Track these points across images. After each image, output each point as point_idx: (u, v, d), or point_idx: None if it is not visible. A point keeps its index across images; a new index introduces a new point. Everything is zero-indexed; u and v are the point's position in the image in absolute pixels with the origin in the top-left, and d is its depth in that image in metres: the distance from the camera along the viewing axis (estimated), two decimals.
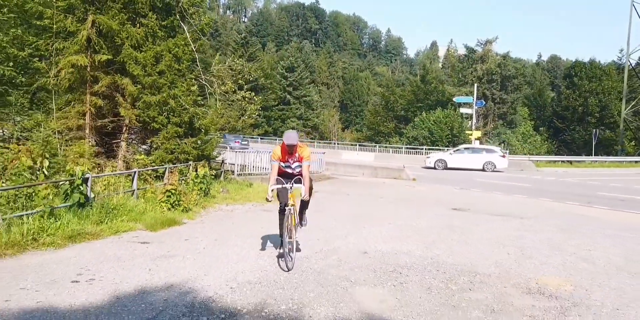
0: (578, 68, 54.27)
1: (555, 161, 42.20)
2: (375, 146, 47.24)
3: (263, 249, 7.20)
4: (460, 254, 7.27)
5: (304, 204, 6.60)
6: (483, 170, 27.85)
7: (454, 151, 29.82)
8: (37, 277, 5.47)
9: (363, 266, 6.38)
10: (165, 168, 12.07)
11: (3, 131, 11.36)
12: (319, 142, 53.24)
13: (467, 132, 43.26)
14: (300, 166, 6.31)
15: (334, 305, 4.87)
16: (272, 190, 6.16)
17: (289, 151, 6.23)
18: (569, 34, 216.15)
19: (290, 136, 6.10)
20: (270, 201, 6.23)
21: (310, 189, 6.30)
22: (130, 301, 4.76)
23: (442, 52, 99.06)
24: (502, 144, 45.64)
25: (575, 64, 57.06)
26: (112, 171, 11.38)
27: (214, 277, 5.68)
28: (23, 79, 11.69)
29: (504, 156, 28.64)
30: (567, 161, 42.06)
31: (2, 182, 7.44)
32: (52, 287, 5.12)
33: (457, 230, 9.15)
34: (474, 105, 42.67)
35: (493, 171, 27.56)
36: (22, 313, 4.41)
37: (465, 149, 30.19)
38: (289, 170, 6.41)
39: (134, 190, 10.13)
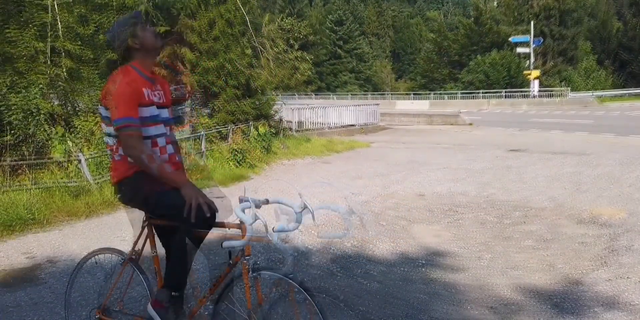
0: None
1: (621, 95, 40.30)
2: (429, 94, 46.54)
3: (325, 196, 7.73)
4: (514, 191, 7.56)
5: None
6: None
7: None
8: (132, 230, 6.27)
9: (420, 207, 6.82)
10: (229, 129, 12.80)
11: (79, 105, 12.29)
12: (373, 94, 52.86)
13: (525, 72, 41.75)
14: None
15: (393, 241, 5.36)
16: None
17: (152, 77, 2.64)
18: None
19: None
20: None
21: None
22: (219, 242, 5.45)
23: None
24: (563, 82, 43.80)
25: None
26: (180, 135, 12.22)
27: None
28: (91, 55, 12.49)
29: None
30: (634, 94, 40.04)
31: (90, 150, 8.32)
32: None
33: (512, 170, 9.37)
34: (531, 44, 40.94)
35: None
36: None
37: None
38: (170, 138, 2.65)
39: (202, 151, 10.92)
